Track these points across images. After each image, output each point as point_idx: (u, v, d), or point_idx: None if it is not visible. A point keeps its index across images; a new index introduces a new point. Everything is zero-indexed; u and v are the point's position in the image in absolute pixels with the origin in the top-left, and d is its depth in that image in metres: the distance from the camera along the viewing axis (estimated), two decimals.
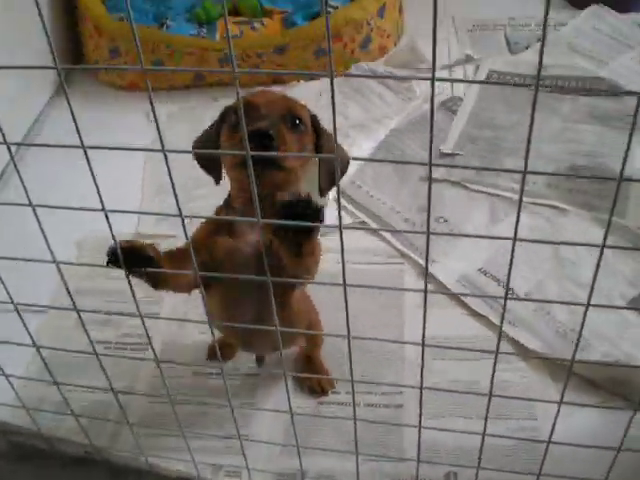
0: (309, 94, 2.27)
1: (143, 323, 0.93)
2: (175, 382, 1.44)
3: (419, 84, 2.27)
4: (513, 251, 0.70)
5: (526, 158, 0.60)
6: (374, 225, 1.78)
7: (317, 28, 2.27)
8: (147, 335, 0.95)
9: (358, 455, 1.05)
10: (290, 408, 1.00)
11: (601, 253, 0.70)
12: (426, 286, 0.76)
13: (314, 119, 1.06)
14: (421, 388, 0.89)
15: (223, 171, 1.08)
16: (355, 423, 1.00)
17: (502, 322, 0.80)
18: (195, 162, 1.09)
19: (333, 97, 0.61)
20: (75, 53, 2.52)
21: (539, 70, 0.57)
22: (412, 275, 1.65)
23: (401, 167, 1.94)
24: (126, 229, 1.81)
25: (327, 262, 1.71)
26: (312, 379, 1.44)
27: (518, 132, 2.05)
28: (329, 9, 2.36)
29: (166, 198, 1.91)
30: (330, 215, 1.83)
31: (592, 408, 1.37)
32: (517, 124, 2.08)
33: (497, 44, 2.51)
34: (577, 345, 0.80)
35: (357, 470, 1.07)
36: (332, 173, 1.07)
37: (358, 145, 1.96)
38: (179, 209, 0.75)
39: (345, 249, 1.75)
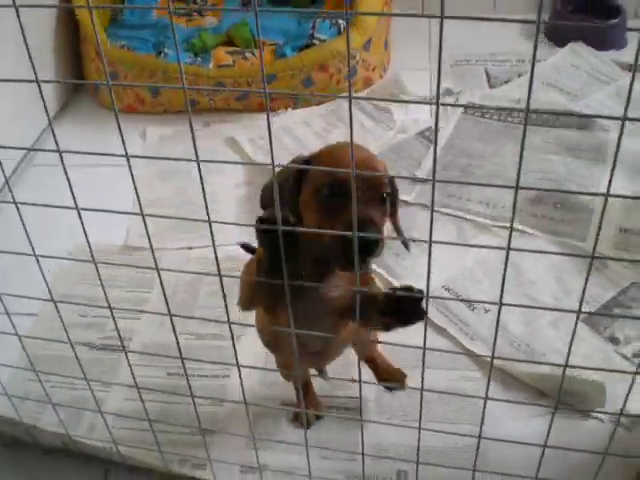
0: (296, 121, 2.40)
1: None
2: (150, 381, 1.54)
3: (399, 115, 2.38)
4: (506, 268, 0.79)
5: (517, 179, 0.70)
6: None
7: (305, 59, 2.39)
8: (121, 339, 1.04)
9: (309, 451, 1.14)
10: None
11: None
12: (428, 291, 0.86)
13: (392, 181, 1.02)
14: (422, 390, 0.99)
15: None
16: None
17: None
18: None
19: (351, 119, 0.70)
20: (78, 76, 2.65)
21: (528, 102, 0.67)
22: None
23: None
24: (115, 241, 1.93)
25: None
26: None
27: (491, 161, 2.16)
28: (316, 41, 2.48)
29: (152, 212, 2.02)
30: None
31: (544, 417, 1.46)
32: (491, 154, 2.19)
33: (478, 78, 2.62)
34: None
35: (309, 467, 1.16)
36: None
37: None
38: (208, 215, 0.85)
39: None
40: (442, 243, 0.83)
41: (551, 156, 2.16)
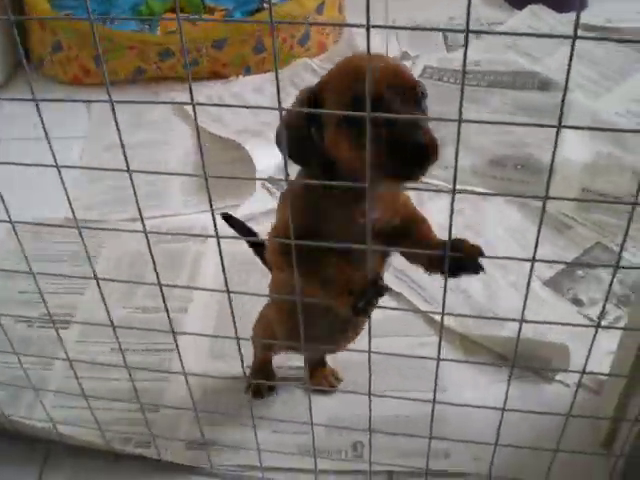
0: (248, 89, 2.31)
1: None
2: (92, 358, 1.46)
3: None
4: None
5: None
6: None
7: (255, 23, 2.31)
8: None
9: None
10: None
11: None
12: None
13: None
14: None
15: None
16: None
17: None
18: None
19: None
20: (23, 48, 2.53)
21: None
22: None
23: None
24: (55, 214, 1.83)
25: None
26: (321, 377, 1.42)
27: (447, 124, 2.08)
28: (266, 5, 2.39)
29: (98, 185, 1.95)
30: (264, 200, 1.88)
31: (506, 383, 1.39)
32: (447, 115, 2.11)
33: (435, 43, 2.56)
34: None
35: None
36: None
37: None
38: (205, 172, 0.78)
39: None
40: None
41: (510, 117, 2.10)
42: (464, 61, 0.63)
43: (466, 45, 0.61)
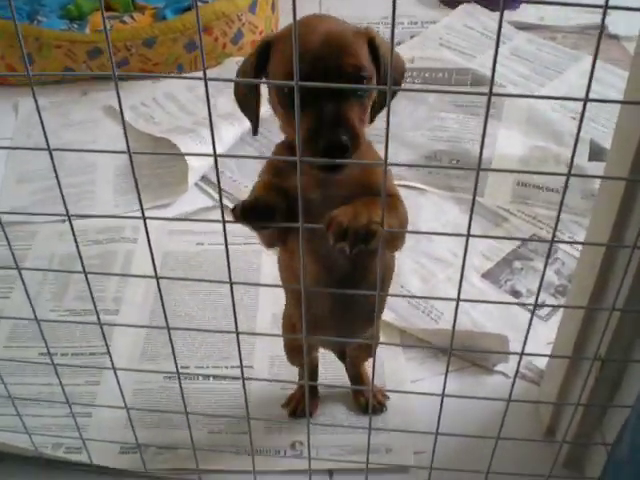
0: (179, 87, 2.27)
1: None
2: (22, 364, 1.41)
3: None
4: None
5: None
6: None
7: (187, 21, 2.26)
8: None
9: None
10: None
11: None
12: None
13: (372, 43, 0.85)
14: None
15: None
16: None
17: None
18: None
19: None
20: None
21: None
22: (269, 254, 1.65)
23: (265, 153, 1.94)
24: None
25: (187, 243, 1.71)
26: (365, 394, 1.33)
27: (383, 120, 2.08)
28: (199, 3, 2.35)
29: (26, 187, 1.89)
30: (195, 199, 1.85)
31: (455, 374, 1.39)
32: (383, 113, 2.11)
33: None
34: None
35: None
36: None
37: (219, 136, 1.93)
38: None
39: (204, 231, 1.74)
40: None
41: (445, 114, 2.10)
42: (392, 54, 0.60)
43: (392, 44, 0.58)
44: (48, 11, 2.43)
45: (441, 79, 2.26)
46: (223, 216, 0.76)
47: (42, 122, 0.74)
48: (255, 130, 0.95)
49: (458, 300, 0.80)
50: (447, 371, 0.92)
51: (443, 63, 2.34)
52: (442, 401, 0.93)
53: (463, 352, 1.41)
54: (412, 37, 2.56)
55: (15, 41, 2.23)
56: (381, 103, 0.90)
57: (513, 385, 0.92)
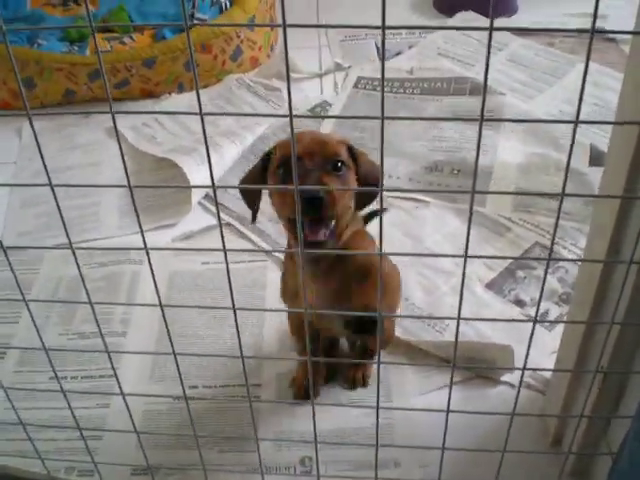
0: (180, 106, 2.29)
1: None
2: (30, 386, 1.42)
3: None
4: None
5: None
6: (240, 226, 1.79)
7: (186, 40, 2.27)
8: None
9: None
10: None
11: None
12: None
13: (351, 150, 1.10)
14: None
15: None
16: None
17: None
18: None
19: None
20: None
21: None
22: (274, 271, 1.66)
23: None
24: None
25: (192, 262, 1.73)
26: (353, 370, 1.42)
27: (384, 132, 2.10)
28: (197, 21, 2.37)
29: (30, 211, 1.90)
30: (199, 218, 1.86)
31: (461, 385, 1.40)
32: (384, 126, 2.13)
33: (368, 52, 2.57)
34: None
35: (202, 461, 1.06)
36: (369, 193, 1.13)
37: (220, 154, 1.95)
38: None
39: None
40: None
41: (444, 124, 2.11)
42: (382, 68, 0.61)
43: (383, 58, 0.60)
44: (48, 34, 2.45)
45: (440, 89, 2.27)
46: (224, 242, 0.77)
47: (43, 158, 0.75)
48: (254, 218, 1.19)
49: (459, 319, 0.81)
50: (451, 386, 0.92)
51: (441, 72, 2.36)
52: (447, 417, 0.94)
53: (467, 365, 1.42)
54: (410, 47, 2.57)
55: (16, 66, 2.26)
56: (364, 201, 1.13)
57: (517, 398, 0.93)
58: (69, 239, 0.83)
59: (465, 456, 1.19)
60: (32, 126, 0.72)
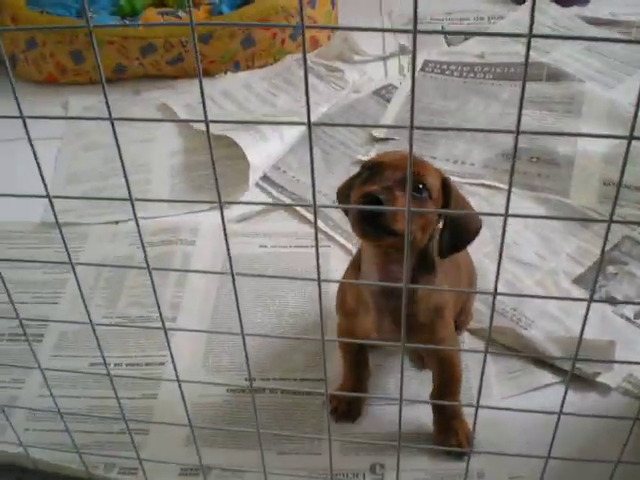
0: (236, 86, 2.16)
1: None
2: (71, 375, 1.28)
3: (352, 74, 2.17)
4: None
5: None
6: (300, 208, 1.66)
7: (244, 16, 2.15)
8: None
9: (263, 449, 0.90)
10: None
11: None
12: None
13: (445, 182, 0.99)
14: None
15: None
16: None
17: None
18: None
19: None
20: None
21: None
22: (338, 257, 1.52)
23: (329, 152, 1.83)
24: (33, 218, 1.67)
25: (249, 245, 1.59)
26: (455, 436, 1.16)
27: (455, 116, 1.97)
28: None
29: (76, 187, 1.78)
30: (256, 199, 1.73)
31: (542, 391, 1.25)
32: (453, 110, 2.00)
33: (434, 37, 2.42)
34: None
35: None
36: (457, 238, 1.01)
37: (280, 133, 1.82)
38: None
39: (269, 233, 1.63)
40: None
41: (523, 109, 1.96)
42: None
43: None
44: (99, 8, 2.34)
45: (514, 74, 2.12)
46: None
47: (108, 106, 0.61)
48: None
49: (495, 294, 0.66)
50: (567, 388, 0.79)
51: (515, 57, 2.20)
52: (558, 420, 0.79)
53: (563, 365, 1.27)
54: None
55: (64, 37, 2.15)
56: (448, 248, 1.01)
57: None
58: (131, 197, 0.69)
59: (558, 465, 1.04)
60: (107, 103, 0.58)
